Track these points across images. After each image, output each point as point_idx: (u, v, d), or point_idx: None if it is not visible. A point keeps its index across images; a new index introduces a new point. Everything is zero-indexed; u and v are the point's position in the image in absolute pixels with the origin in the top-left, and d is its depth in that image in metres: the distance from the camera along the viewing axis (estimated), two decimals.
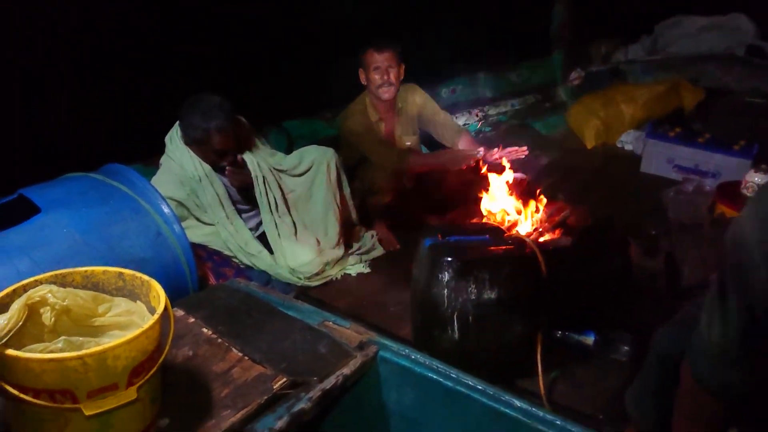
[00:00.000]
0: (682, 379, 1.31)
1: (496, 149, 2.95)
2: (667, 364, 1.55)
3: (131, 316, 1.22)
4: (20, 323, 1.08)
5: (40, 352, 1.08)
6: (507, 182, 2.49)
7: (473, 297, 1.94)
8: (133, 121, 2.95)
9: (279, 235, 2.81)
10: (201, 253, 2.60)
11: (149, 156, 2.94)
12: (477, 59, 4.58)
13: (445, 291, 1.94)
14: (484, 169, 2.70)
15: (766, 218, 1.07)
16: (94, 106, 2.90)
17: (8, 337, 1.06)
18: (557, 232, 2.21)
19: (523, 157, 3.12)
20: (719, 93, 4.49)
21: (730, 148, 3.74)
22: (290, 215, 2.87)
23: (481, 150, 3.03)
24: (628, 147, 4.45)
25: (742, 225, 1.11)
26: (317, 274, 2.82)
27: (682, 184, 3.29)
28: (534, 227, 2.24)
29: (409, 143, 3.38)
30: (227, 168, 2.69)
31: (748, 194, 2.96)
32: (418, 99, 3.40)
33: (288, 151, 3.29)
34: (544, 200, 2.39)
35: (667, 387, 1.44)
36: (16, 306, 1.09)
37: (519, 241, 2.05)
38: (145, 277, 1.27)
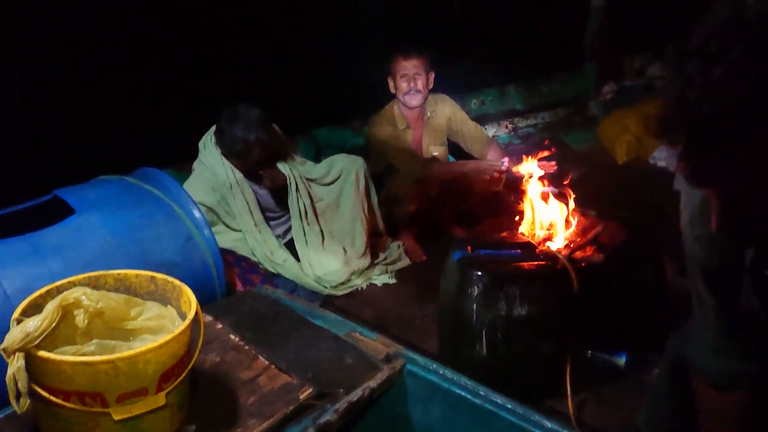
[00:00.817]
0: (693, 382, 1.28)
1: (523, 162, 2.92)
2: (677, 370, 1.50)
3: (162, 321, 1.22)
4: (53, 325, 1.09)
5: (72, 354, 1.08)
6: (538, 196, 2.45)
7: (503, 313, 1.91)
8: (166, 126, 2.99)
9: (306, 243, 2.81)
10: (229, 258, 2.62)
11: (181, 161, 2.97)
12: (507, 70, 4.55)
13: (474, 306, 1.92)
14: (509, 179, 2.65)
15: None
16: (129, 110, 2.95)
17: (41, 338, 1.06)
18: (589, 248, 2.16)
19: (552, 171, 3.08)
20: None
21: None
22: (318, 224, 2.87)
23: (506, 161, 2.99)
24: (661, 163, 4.36)
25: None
26: (343, 283, 2.82)
27: None
28: (566, 243, 2.19)
29: (436, 153, 3.36)
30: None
31: None
32: (447, 109, 3.39)
33: (316, 159, 3.30)
34: (576, 215, 2.35)
35: (679, 397, 1.40)
36: (50, 307, 1.09)
37: (551, 256, 2.01)
38: (177, 282, 1.27)
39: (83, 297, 1.13)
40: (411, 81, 3.16)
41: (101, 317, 1.16)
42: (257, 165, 2.70)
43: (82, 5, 2.82)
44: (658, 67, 5.23)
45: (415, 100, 3.20)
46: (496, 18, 4.36)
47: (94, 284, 1.24)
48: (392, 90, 3.26)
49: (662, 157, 4.37)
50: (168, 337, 1.09)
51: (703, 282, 1.12)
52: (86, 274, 1.25)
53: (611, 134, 4.51)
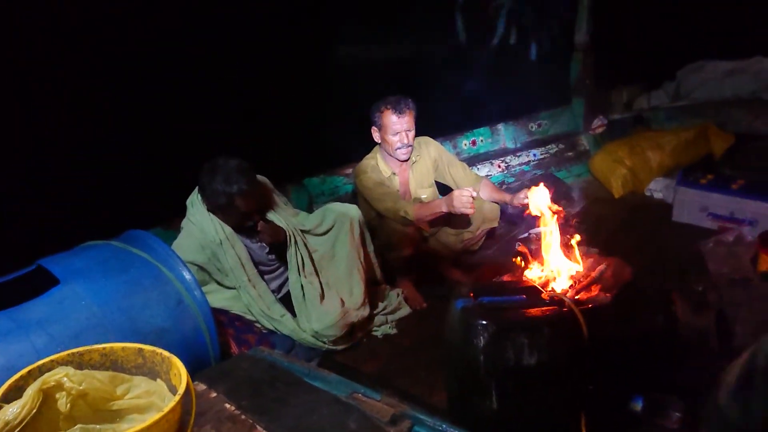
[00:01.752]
0: None
1: (523, 195, 2.89)
2: None
3: (151, 398, 1.15)
4: (34, 411, 1.01)
5: None
6: (539, 235, 2.39)
7: (511, 363, 1.82)
8: (153, 183, 2.95)
9: (304, 296, 2.72)
10: (222, 318, 2.53)
11: (170, 219, 2.92)
12: (497, 110, 4.57)
13: (481, 357, 1.83)
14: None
15: None
16: (117, 171, 2.91)
17: (21, 426, 0.99)
18: (595, 288, 2.09)
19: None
20: (748, 138, 4.38)
21: (766, 194, 3.62)
22: (317, 276, 2.78)
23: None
24: (658, 195, 4.33)
25: None
26: (342, 337, 2.71)
27: (721, 234, 3.16)
28: (570, 284, 2.12)
29: (424, 196, 3.31)
30: (260, 223, 2.64)
31: None
32: (432, 151, 3.35)
33: (308, 208, 3.24)
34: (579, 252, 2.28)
35: None
36: (30, 392, 1.02)
37: (557, 300, 1.94)
38: (166, 354, 1.21)
39: (65, 379, 1.06)
40: (404, 137, 3.12)
41: (85, 399, 1.09)
42: (244, 217, 2.62)
43: (70, 70, 2.82)
44: (646, 99, 5.28)
45: (406, 155, 3.18)
46: (484, 58, 4.40)
47: (79, 361, 1.17)
48: (377, 140, 3.20)
49: (658, 188, 4.34)
50: (156, 416, 1.02)
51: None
52: (70, 351, 1.19)
53: (605, 168, 4.50)
